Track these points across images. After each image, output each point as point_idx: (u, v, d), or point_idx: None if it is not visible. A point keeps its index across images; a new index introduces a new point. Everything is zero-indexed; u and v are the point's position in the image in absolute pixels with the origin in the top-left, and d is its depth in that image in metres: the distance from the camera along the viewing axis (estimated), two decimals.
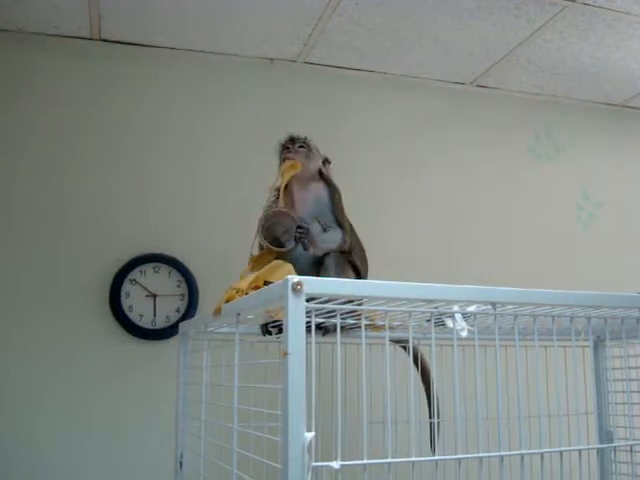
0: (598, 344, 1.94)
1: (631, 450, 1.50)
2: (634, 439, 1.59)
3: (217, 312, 1.40)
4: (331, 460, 0.99)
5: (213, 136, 2.48)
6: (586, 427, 1.41)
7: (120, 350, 2.24)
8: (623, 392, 1.73)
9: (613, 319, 1.36)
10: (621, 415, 1.84)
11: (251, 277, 1.46)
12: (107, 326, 2.25)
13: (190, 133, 2.46)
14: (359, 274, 1.73)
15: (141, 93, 2.43)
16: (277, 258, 1.61)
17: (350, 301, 1.11)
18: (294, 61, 2.58)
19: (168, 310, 2.31)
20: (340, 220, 1.73)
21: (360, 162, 2.57)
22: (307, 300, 1.00)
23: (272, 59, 2.57)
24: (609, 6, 2.18)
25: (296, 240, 1.63)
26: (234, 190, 2.43)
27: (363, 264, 1.76)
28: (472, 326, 1.18)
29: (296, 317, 0.98)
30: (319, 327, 1.45)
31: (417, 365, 1.70)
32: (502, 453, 1.13)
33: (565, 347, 1.31)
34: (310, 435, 0.95)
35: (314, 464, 0.95)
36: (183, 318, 2.26)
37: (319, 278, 1.15)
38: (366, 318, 1.29)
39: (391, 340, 1.45)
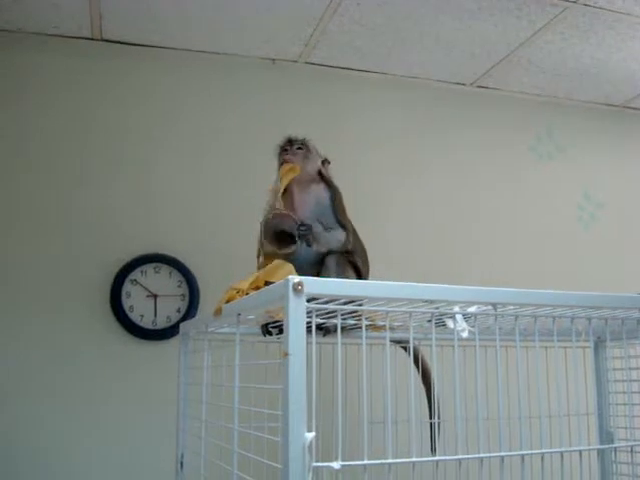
0: (599, 345, 1.94)
1: (632, 451, 1.50)
2: (635, 440, 1.59)
3: (218, 312, 1.40)
4: (331, 460, 0.99)
5: (214, 136, 2.48)
6: (587, 428, 1.41)
7: (121, 350, 2.25)
8: (624, 393, 1.73)
9: (614, 320, 1.36)
10: (622, 416, 1.84)
11: (251, 277, 1.47)
12: (108, 326, 2.25)
13: (191, 133, 2.46)
14: (360, 274, 1.73)
15: (142, 93, 2.44)
16: (279, 258, 1.61)
17: (351, 301, 1.11)
18: (295, 61, 2.59)
19: (169, 310, 2.31)
20: (342, 220, 1.73)
21: (361, 162, 2.57)
22: (308, 300, 1.00)
23: (273, 59, 2.57)
24: (610, 7, 2.18)
25: (299, 237, 1.63)
26: (234, 190, 2.44)
27: (364, 265, 1.76)
28: (473, 327, 1.18)
29: (297, 317, 0.98)
30: (320, 327, 1.44)
31: (417, 365, 1.70)
32: (502, 454, 1.13)
33: (566, 348, 1.31)
34: (310, 435, 0.95)
35: (314, 464, 0.95)
36: (184, 318, 2.26)
37: (320, 278, 1.15)
38: (367, 318, 1.29)
39: (392, 340, 1.45)
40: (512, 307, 1.20)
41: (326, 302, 1.08)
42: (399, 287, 1.08)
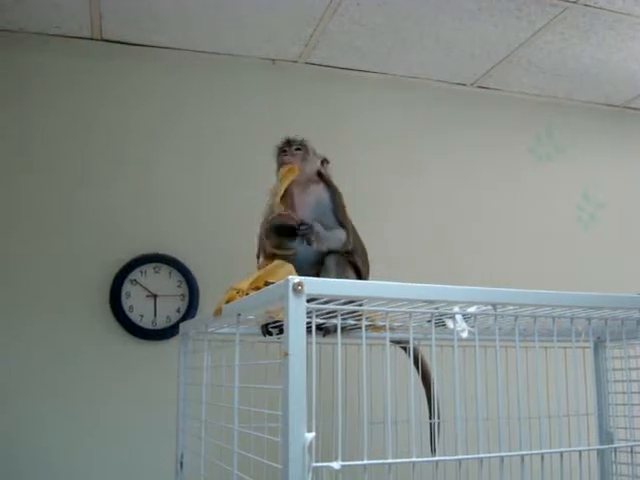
0: (598, 345, 1.94)
1: (631, 451, 1.50)
2: (634, 440, 1.59)
3: (218, 312, 1.40)
4: (331, 460, 0.99)
5: (214, 136, 2.48)
6: (586, 428, 1.41)
7: (120, 350, 2.25)
8: (623, 393, 1.73)
9: (613, 320, 1.36)
10: (621, 416, 1.84)
11: (251, 277, 1.47)
12: (107, 326, 2.25)
13: (191, 133, 2.46)
14: (360, 275, 1.73)
15: (142, 93, 2.44)
16: (279, 258, 1.61)
17: (351, 301, 1.11)
18: (295, 61, 2.59)
19: (169, 310, 2.31)
20: (342, 220, 1.72)
21: (361, 162, 2.57)
22: (308, 301, 1.00)
23: (273, 60, 2.57)
24: (610, 7, 2.18)
25: (300, 237, 1.63)
26: (234, 190, 2.44)
27: (364, 265, 1.76)
28: (472, 327, 1.18)
29: (297, 318, 0.98)
30: (320, 328, 1.45)
31: (417, 366, 1.70)
32: (502, 454, 1.13)
33: (565, 348, 1.31)
34: (310, 435, 0.95)
35: (314, 464, 0.96)
36: (184, 318, 2.26)
37: (320, 279, 1.15)
38: (367, 319, 1.29)
39: (391, 341, 1.45)
40: (512, 307, 1.20)
41: (326, 302, 1.08)
42: (399, 287, 1.08)
